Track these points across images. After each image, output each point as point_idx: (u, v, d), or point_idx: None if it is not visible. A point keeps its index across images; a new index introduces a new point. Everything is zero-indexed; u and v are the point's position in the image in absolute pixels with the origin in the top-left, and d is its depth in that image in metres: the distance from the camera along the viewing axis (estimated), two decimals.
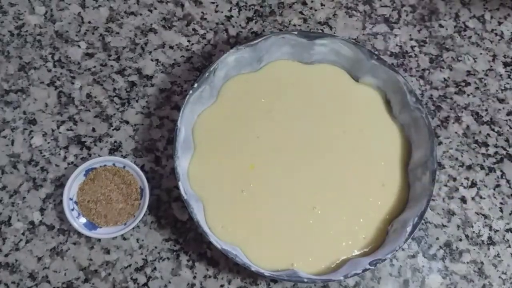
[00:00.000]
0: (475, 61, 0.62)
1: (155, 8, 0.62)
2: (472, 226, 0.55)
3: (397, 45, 0.62)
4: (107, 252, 0.52)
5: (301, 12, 0.62)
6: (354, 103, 0.56)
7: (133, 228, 0.52)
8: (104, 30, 0.60)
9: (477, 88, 0.60)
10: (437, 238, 0.54)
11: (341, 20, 0.63)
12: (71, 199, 0.51)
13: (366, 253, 0.51)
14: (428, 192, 0.50)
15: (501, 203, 0.56)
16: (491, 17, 0.64)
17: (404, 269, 0.53)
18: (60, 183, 0.54)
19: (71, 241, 0.52)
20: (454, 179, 0.57)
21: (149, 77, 0.58)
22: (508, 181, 0.57)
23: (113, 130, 0.56)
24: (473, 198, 0.56)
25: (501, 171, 0.57)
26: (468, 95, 0.60)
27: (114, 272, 0.51)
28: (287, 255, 0.51)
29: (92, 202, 0.52)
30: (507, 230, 0.55)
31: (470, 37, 0.63)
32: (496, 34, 0.63)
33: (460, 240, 0.54)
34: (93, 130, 0.56)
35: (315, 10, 0.63)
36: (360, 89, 0.57)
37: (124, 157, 0.55)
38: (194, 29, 0.61)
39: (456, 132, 0.58)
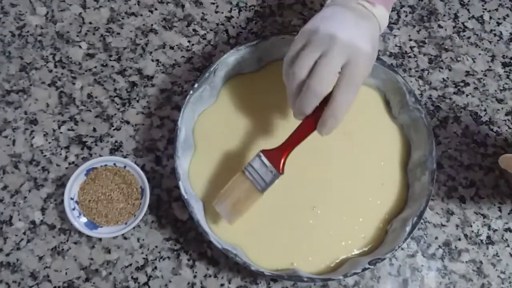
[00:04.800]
0: (474, 62, 0.62)
1: (156, 9, 0.62)
2: (471, 226, 0.55)
3: (396, 45, 0.62)
4: (108, 251, 0.52)
5: (300, 13, 0.63)
6: (354, 104, 0.56)
7: (134, 227, 0.52)
8: (105, 30, 0.60)
9: (476, 88, 0.61)
10: (436, 238, 0.54)
11: None
12: (72, 198, 0.52)
13: (366, 252, 0.51)
14: (427, 192, 0.50)
15: (499, 202, 0.56)
16: (490, 18, 0.64)
17: (403, 268, 0.53)
18: (61, 183, 0.54)
19: (72, 240, 0.52)
20: (453, 179, 0.57)
21: (149, 77, 0.59)
22: (506, 181, 0.57)
23: (114, 130, 0.56)
24: (472, 198, 0.56)
25: (500, 171, 0.57)
26: (467, 95, 0.60)
27: (114, 271, 0.51)
28: (287, 255, 0.51)
29: (93, 201, 0.52)
30: (505, 230, 0.55)
31: (469, 38, 0.63)
32: (495, 35, 0.63)
33: (459, 239, 0.54)
34: (94, 130, 0.56)
35: (315, 11, 0.63)
36: (360, 89, 0.57)
37: (125, 157, 0.55)
38: (194, 30, 0.61)
39: (455, 132, 0.59)
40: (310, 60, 0.43)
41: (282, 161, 0.48)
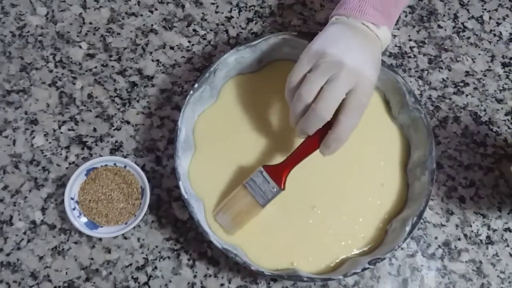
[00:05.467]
0: (474, 62, 0.62)
1: (156, 9, 0.62)
2: (471, 226, 0.55)
3: (396, 45, 0.62)
4: (108, 251, 0.52)
5: (300, 13, 0.63)
6: None
7: (134, 227, 0.53)
8: (105, 30, 0.61)
9: (475, 88, 0.61)
10: (436, 238, 0.54)
11: None
12: (72, 198, 0.52)
13: (366, 252, 0.51)
14: (427, 192, 0.50)
15: (499, 202, 0.56)
16: (490, 18, 0.64)
17: (403, 268, 0.53)
18: (61, 183, 0.54)
19: (72, 240, 0.52)
20: (453, 179, 0.57)
21: (150, 77, 0.59)
22: (506, 181, 0.57)
23: (114, 130, 0.57)
24: (471, 198, 0.56)
25: (500, 171, 0.57)
26: (466, 95, 0.60)
27: (115, 271, 0.52)
28: (287, 254, 0.51)
29: (93, 201, 0.52)
30: (505, 230, 0.55)
31: (468, 38, 0.63)
32: (494, 35, 0.63)
33: (459, 239, 0.54)
34: (94, 130, 0.56)
35: (315, 11, 0.63)
36: None
37: (125, 157, 0.55)
38: (194, 30, 0.61)
39: (454, 132, 0.59)
40: (318, 85, 0.44)
41: (284, 177, 0.49)
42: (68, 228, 0.53)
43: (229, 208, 0.50)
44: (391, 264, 0.53)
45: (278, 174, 0.49)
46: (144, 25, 0.61)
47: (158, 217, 0.53)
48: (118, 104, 0.58)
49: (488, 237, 0.55)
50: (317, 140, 0.47)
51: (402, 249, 0.54)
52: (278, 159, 0.53)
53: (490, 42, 0.63)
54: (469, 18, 0.64)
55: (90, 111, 0.57)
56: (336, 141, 0.46)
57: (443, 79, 0.61)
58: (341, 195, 0.53)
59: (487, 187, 0.57)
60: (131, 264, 0.52)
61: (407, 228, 0.49)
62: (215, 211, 0.51)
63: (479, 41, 0.63)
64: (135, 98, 0.58)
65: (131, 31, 0.61)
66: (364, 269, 0.47)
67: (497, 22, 0.64)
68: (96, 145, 0.56)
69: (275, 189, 0.49)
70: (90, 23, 0.61)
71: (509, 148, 0.58)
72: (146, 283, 0.51)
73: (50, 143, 0.56)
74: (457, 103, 0.60)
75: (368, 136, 0.55)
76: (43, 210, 0.53)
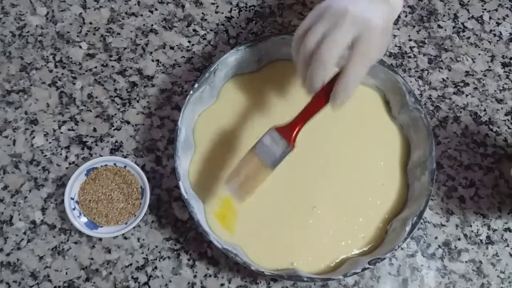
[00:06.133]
0: (474, 62, 0.62)
1: (156, 9, 0.62)
2: (471, 226, 0.55)
3: (396, 45, 0.62)
4: (108, 251, 0.52)
5: (300, 13, 0.63)
6: (354, 104, 0.56)
7: (134, 227, 0.53)
8: (105, 31, 0.61)
9: (475, 88, 0.61)
10: (436, 238, 0.54)
11: None
12: (72, 198, 0.52)
13: (366, 252, 0.51)
14: (427, 192, 0.50)
15: (499, 202, 0.56)
16: (490, 18, 0.64)
17: (403, 268, 0.53)
18: (61, 183, 0.54)
19: (72, 240, 0.52)
20: (453, 179, 0.57)
21: (149, 77, 0.59)
22: (506, 181, 0.57)
23: (114, 130, 0.57)
24: (471, 198, 0.56)
25: (499, 171, 0.57)
26: (466, 95, 0.60)
27: (115, 271, 0.52)
28: (287, 254, 0.51)
29: (93, 201, 0.52)
30: (505, 230, 0.55)
31: (468, 38, 0.63)
32: (494, 35, 0.63)
33: (459, 239, 0.54)
34: (94, 130, 0.56)
35: None
36: (359, 89, 0.57)
37: (125, 157, 0.55)
38: (194, 30, 0.61)
39: (454, 132, 0.59)
40: (321, 32, 0.43)
41: (293, 135, 0.46)
42: (68, 228, 0.53)
43: (236, 174, 0.47)
44: (391, 264, 0.53)
45: (288, 133, 0.46)
46: (144, 25, 0.61)
47: (158, 217, 0.53)
48: (118, 104, 0.58)
49: (488, 237, 0.55)
50: (325, 96, 0.45)
51: (402, 249, 0.54)
52: None
53: (490, 42, 0.63)
54: (469, 18, 0.64)
55: (90, 111, 0.57)
56: (343, 90, 0.44)
57: (443, 79, 0.61)
58: (341, 195, 0.53)
59: (487, 187, 0.57)
60: (131, 264, 0.52)
61: (407, 228, 0.49)
62: (226, 179, 0.47)
63: (479, 41, 0.63)
64: (135, 98, 0.58)
65: (131, 31, 0.61)
66: (364, 269, 0.47)
67: (497, 22, 0.64)
68: (96, 145, 0.56)
69: (284, 147, 0.46)
70: (90, 23, 0.61)
71: (509, 148, 0.58)
72: (146, 283, 0.51)
73: (50, 143, 0.56)
74: (457, 103, 0.60)
75: (368, 136, 0.55)
76: (43, 210, 0.53)
